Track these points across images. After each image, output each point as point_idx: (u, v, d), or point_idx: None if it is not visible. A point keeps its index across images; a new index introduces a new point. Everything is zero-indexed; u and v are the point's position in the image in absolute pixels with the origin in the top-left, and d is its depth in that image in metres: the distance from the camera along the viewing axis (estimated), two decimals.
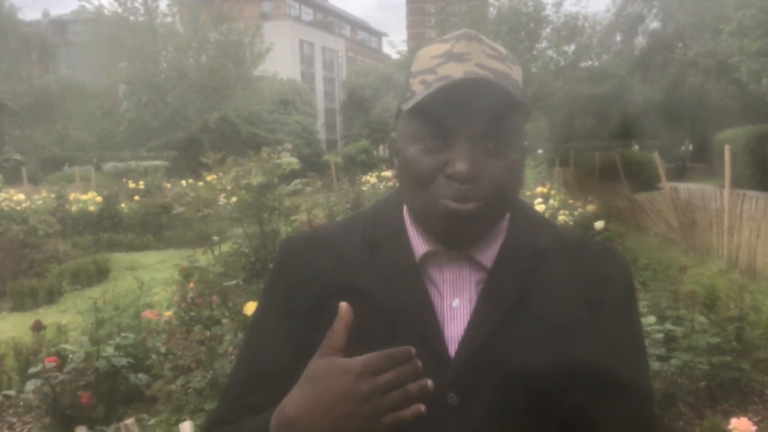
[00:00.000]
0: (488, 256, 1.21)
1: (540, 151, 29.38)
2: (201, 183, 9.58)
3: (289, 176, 6.00)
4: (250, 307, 4.09)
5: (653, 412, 1.34)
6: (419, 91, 1.13)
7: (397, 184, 1.28)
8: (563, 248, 1.26)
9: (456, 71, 1.10)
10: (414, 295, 1.19)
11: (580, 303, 1.20)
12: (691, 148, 32.69)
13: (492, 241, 1.22)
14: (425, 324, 1.17)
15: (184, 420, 3.52)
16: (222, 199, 4.82)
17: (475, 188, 1.11)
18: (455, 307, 1.19)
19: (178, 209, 5.26)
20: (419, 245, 1.22)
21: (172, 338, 4.58)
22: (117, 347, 5.04)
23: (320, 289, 1.23)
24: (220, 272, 4.51)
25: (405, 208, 1.26)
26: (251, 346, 1.32)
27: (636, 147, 28.44)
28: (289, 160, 4.93)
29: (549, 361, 1.15)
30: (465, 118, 1.10)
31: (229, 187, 4.66)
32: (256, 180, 4.53)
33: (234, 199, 4.69)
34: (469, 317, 1.18)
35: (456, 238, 1.16)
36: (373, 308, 1.18)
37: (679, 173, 29.89)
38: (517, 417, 1.15)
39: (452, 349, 1.16)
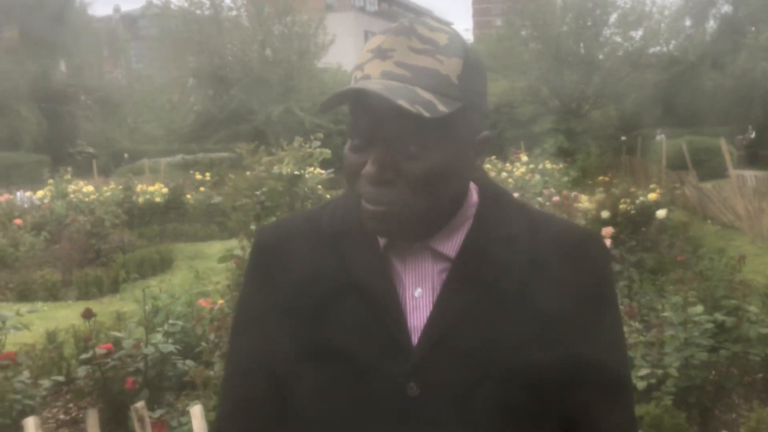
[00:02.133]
0: (451, 245, 1.20)
1: (659, 136, 28.59)
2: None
3: (327, 166, 6.05)
4: None
5: (630, 403, 1.30)
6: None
7: None
8: (537, 235, 1.23)
9: (374, 70, 1.10)
10: (377, 284, 1.19)
11: (550, 291, 1.18)
12: (753, 135, 31.78)
13: (455, 231, 1.21)
14: (387, 313, 1.17)
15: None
16: (259, 190, 4.87)
17: (388, 192, 1.11)
18: (417, 297, 1.18)
19: (216, 198, 5.32)
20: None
21: (218, 325, 4.64)
22: (165, 334, 5.13)
23: (294, 277, 1.24)
24: None
25: None
26: (239, 342, 1.34)
27: (662, 136, 27.48)
28: (321, 150, 4.95)
29: (513, 351, 1.13)
30: (375, 124, 1.10)
31: (262, 176, 4.70)
32: (286, 169, 4.55)
33: (261, 189, 4.75)
34: (431, 307, 1.17)
35: (384, 235, 1.18)
36: (340, 297, 1.19)
37: (751, 160, 29.09)
38: (480, 407, 1.13)
39: (415, 338, 1.15)
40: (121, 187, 17.42)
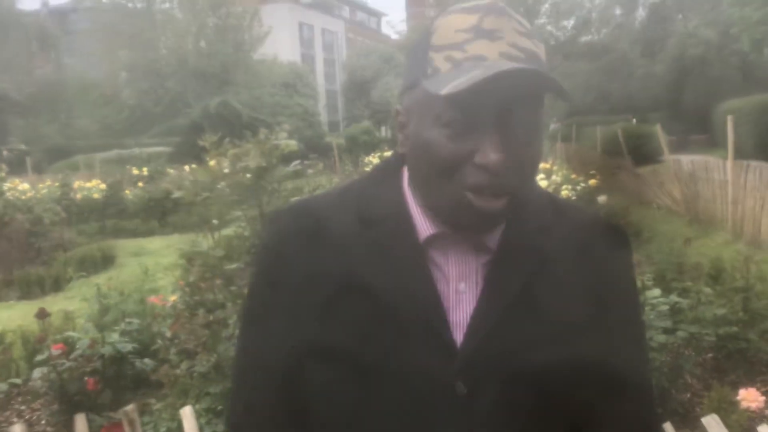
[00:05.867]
0: (493, 237, 1.14)
1: (553, 126, 29.13)
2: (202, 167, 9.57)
3: (291, 158, 5.94)
4: None
5: (655, 407, 1.31)
6: (445, 68, 1.03)
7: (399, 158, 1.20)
8: (566, 224, 1.20)
9: (489, 51, 1.02)
10: (418, 278, 1.11)
11: (586, 288, 1.16)
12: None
13: None
14: (430, 310, 1.10)
15: (190, 404, 3.53)
16: (222, 183, 4.79)
17: (505, 180, 1.03)
18: (461, 292, 1.12)
19: (177, 193, 5.25)
20: (424, 226, 1.13)
21: (177, 323, 4.60)
22: (122, 333, 5.06)
23: (322, 270, 1.14)
24: (221, 256, 4.50)
25: (406, 182, 1.18)
26: (252, 339, 1.24)
27: (634, 121, 28.23)
28: (287, 142, 4.89)
29: (555, 353, 1.10)
30: (503, 108, 1.01)
31: (226, 170, 4.64)
32: (253, 162, 4.50)
33: (227, 182, 4.68)
34: (475, 302, 1.11)
35: (478, 231, 1.11)
36: (373, 293, 1.10)
37: (681, 145, 29.78)
38: (524, 408, 1.10)
39: (458, 335, 1.10)
40: (57, 183, 17.07)
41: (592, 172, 11.97)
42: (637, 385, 1.21)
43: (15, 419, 5.17)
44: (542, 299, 1.12)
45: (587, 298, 1.14)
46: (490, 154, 1.01)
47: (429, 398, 1.08)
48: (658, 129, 14.07)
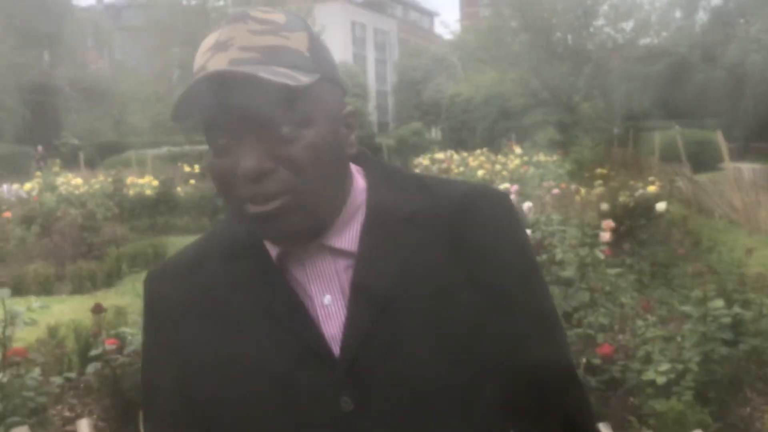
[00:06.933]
0: (348, 239, 1.10)
1: (616, 130, 28.71)
2: None
3: None
4: None
5: (577, 383, 1.21)
6: None
7: None
8: (435, 205, 1.13)
9: (219, 63, 1.00)
10: (282, 301, 1.08)
11: (465, 270, 1.08)
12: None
13: (348, 222, 1.11)
14: (302, 331, 1.06)
15: None
16: None
17: (273, 183, 1.00)
18: (327, 304, 1.08)
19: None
20: (271, 247, 1.10)
21: None
22: None
23: (190, 320, 1.13)
24: None
25: None
26: (146, 389, 1.24)
27: (677, 128, 27.60)
28: None
29: (442, 349, 1.05)
30: (239, 113, 0.99)
31: None
32: None
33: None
34: (345, 312, 1.07)
35: (281, 239, 1.07)
36: (249, 324, 1.09)
37: (741, 153, 29.22)
38: (422, 414, 1.05)
39: (336, 349, 1.06)
40: (110, 179, 17.27)
41: (651, 179, 11.73)
42: (549, 371, 1.13)
43: (67, 413, 5.17)
44: (416, 292, 1.06)
45: (468, 280, 1.08)
46: (240, 164, 0.99)
47: (317, 419, 1.04)
48: (718, 136, 13.77)
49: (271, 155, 1.00)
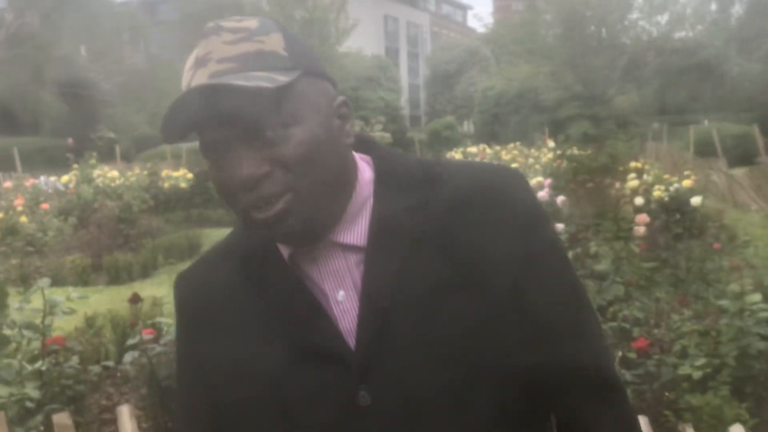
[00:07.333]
0: (357, 233, 1.10)
1: (655, 125, 28.40)
2: None
3: None
4: None
5: (612, 373, 1.15)
6: None
7: None
8: (445, 192, 1.11)
9: (201, 78, 1.00)
10: (300, 302, 1.09)
11: (482, 253, 1.07)
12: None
13: (357, 216, 1.11)
14: (323, 329, 1.07)
15: None
16: None
17: (271, 185, 1.01)
18: (341, 301, 1.09)
19: None
20: (283, 247, 1.12)
21: None
22: None
23: (213, 324, 1.16)
24: None
25: None
26: (185, 400, 1.26)
27: (705, 122, 27.17)
28: (382, 134, 4.81)
29: (460, 331, 1.04)
30: (226, 126, 1.01)
31: None
32: None
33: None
34: (358, 307, 1.08)
35: (291, 240, 1.08)
36: (268, 327, 1.10)
37: None
38: (440, 407, 1.04)
39: (352, 345, 1.07)
40: (146, 172, 17.44)
41: (686, 173, 11.60)
42: (577, 369, 1.09)
43: (104, 401, 5.24)
44: (430, 285, 1.05)
45: (486, 269, 1.06)
46: (236, 173, 1.01)
47: (335, 414, 1.06)
48: (754, 130, 13.60)
49: (264, 159, 1.01)
